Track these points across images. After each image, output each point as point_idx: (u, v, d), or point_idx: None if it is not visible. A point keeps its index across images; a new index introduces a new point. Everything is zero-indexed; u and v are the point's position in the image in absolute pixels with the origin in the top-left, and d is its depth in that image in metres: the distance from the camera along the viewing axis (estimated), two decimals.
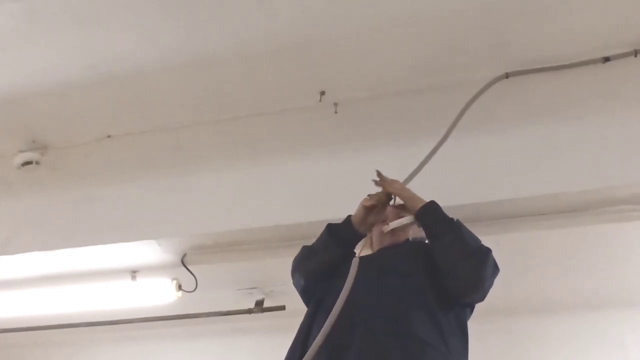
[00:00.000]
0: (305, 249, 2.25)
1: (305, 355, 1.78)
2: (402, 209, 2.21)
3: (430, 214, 2.08)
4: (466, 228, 2.04)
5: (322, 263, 2.18)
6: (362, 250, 2.09)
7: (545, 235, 2.88)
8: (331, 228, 2.21)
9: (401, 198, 2.17)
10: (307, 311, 2.13)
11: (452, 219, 2.06)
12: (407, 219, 2.17)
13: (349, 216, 2.20)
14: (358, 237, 2.19)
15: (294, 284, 2.28)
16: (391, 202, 2.24)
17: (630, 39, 2.66)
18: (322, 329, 1.77)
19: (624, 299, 3.58)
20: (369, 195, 2.20)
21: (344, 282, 1.90)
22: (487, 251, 2.00)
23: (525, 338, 3.79)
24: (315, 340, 1.78)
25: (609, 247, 3.04)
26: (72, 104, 3.05)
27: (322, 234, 2.23)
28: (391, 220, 2.23)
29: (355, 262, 1.89)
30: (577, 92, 2.73)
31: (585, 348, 3.67)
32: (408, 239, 2.24)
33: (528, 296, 3.57)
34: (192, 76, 2.88)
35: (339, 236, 2.18)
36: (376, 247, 2.28)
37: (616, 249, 3.06)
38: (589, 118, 2.68)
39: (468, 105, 2.55)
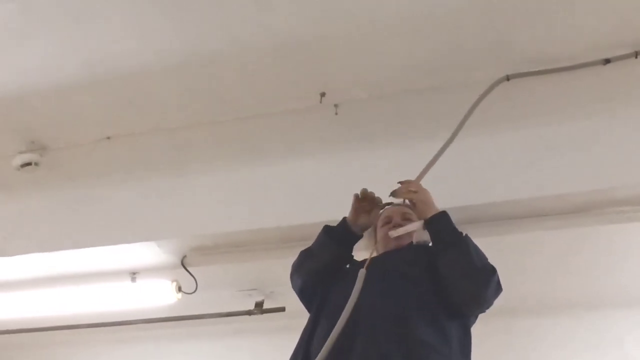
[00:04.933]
0: (302, 252, 2.26)
1: None
2: (414, 209, 2.17)
3: (440, 225, 2.05)
4: (474, 244, 2.01)
5: (319, 263, 2.19)
6: (369, 261, 2.07)
7: (546, 236, 2.88)
8: (327, 229, 2.22)
9: (416, 201, 2.12)
10: (310, 315, 2.14)
11: (460, 232, 2.03)
12: (414, 225, 2.16)
13: (345, 217, 2.21)
14: (353, 238, 2.19)
15: (292, 286, 2.28)
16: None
17: (631, 40, 2.65)
18: (327, 341, 1.76)
19: (624, 299, 3.59)
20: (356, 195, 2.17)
21: (346, 285, 1.91)
22: (492, 271, 1.98)
23: (525, 338, 3.80)
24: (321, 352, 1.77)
25: (610, 248, 3.04)
26: (71, 105, 3.04)
27: (318, 235, 2.24)
28: (396, 220, 2.24)
29: (361, 274, 1.88)
30: (578, 93, 2.73)
31: (584, 348, 3.68)
32: (412, 242, 2.23)
33: (528, 296, 3.57)
34: (192, 77, 2.87)
35: (335, 236, 2.18)
36: (381, 250, 2.27)
37: (617, 249, 3.06)
38: (590, 119, 2.68)
39: (472, 110, 2.55)
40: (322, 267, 2.18)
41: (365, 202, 2.17)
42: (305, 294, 2.24)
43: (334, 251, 2.17)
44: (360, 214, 2.17)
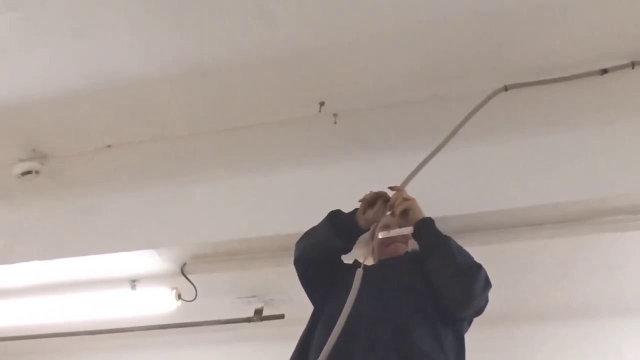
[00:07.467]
0: (306, 232, 2.31)
1: None
2: (404, 219, 2.19)
3: (423, 230, 2.08)
4: (457, 245, 2.03)
5: (315, 243, 2.23)
6: (364, 260, 2.09)
7: (543, 244, 2.89)
8: (333, 212, 2.23)
9: (409, 208, 2.13)
10: (307, 322, 2.15)
11: (444, 236, 2.05)
12: (404, 230, 2.17)
13: (356, 208, 2.20)
14: (357, 229, 2.18)
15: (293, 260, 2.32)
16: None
17: (628, 51, 2.68)
18: (326, 344, 1.76)
19: (621, 307, 3.59)
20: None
21: (345, 292, 1.91)
22: (478, 268, 2.00)
23: (524, 346, 3.79)
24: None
25: (607, 256, 3.05)
26: (72, 113, 3.06)
27: (323, 218, 2.25)
28: (392, 227, 2.25)
29: (359, 274, 1.88)
30: (575, 103, 2.75)
31: (582, 355, 3.67)
32: (408, 251, 2.25)
33: (525, 304, 3.58)
34: (192, 86, 2.90)
35: (339, 221, 2.19)
36: (377, 258, 2.29)
37: (614, 257, 3.07)
38: (587, 129, 2.70)
39: (467, 118, 2.57)
40: (318, 247, 2.22)
41: (373, 204, 2.16)
42: (299, 266, 2.27)
43: (331, 236, 2.17)
44: (368, 210, 2.16)
